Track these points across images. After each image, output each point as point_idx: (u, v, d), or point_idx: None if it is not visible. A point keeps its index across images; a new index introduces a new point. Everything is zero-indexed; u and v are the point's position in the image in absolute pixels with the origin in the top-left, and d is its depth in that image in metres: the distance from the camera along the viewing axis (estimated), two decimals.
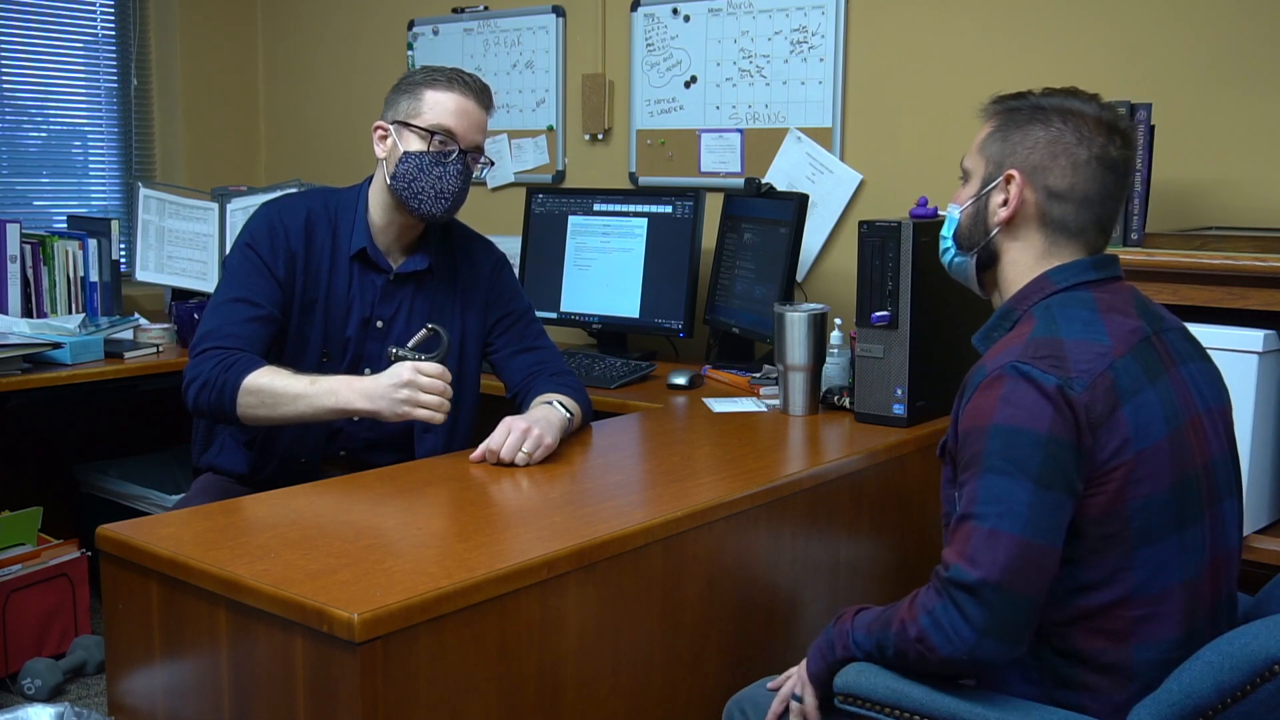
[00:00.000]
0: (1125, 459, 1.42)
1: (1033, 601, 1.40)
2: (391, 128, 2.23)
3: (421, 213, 2.22)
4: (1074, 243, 1.57)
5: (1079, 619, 1.46)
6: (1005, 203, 1.58)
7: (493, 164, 2.34)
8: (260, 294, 2.19)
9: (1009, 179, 1.57)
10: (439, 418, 2.04)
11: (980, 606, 1.38)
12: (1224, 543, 1.54)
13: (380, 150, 2.26)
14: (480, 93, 2.24)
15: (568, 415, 2.19)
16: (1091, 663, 1.46)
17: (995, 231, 1.60)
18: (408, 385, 2.00)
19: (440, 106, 2.20)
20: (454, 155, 2.21)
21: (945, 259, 1.71)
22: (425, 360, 2.05)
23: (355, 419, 2.21)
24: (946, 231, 1.69)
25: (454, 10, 3.84)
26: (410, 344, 2.10)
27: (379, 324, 2.30)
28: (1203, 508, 1.50)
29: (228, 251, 2.44)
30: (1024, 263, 1.59)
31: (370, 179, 2.32)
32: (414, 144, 2.20)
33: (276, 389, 2.07)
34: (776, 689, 1.67)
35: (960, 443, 1.48)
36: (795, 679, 1.63)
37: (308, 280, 2.25)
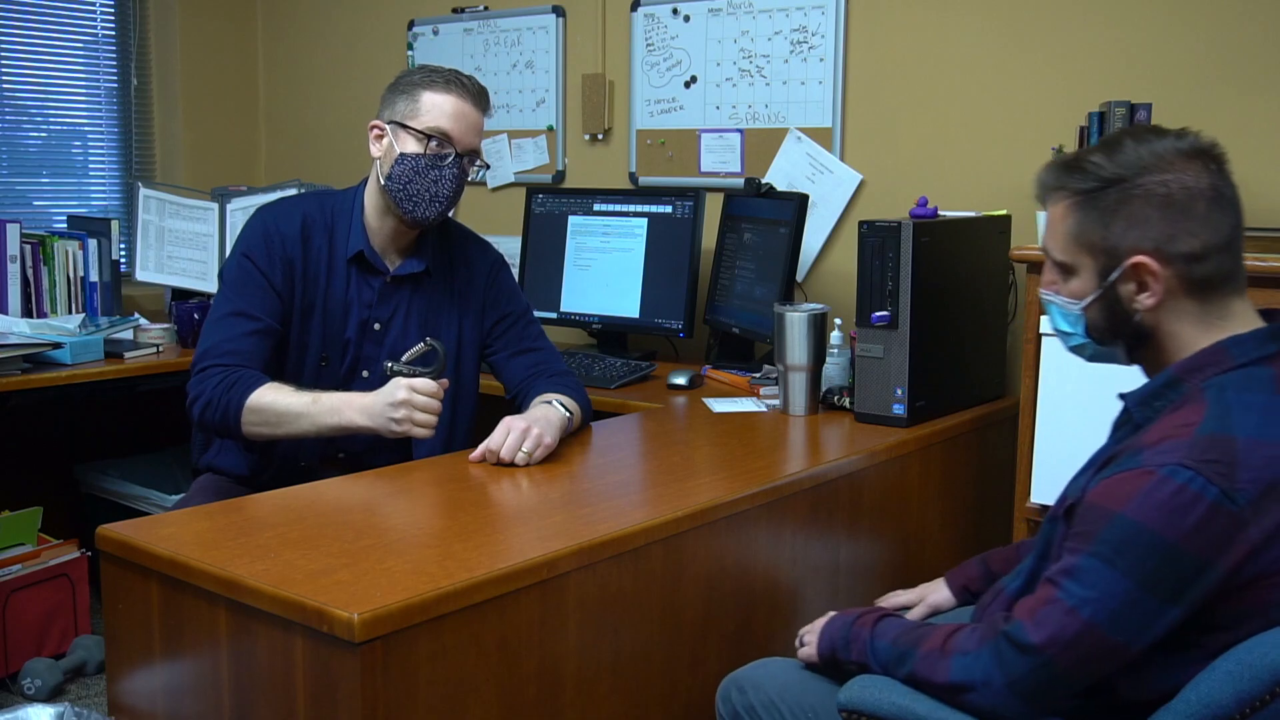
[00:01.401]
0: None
1: (1077, 684, 1.36)
2: (388, 128, 2.23)
3: (415, 215, 2.21)
4: (1225, 290, 1.46)
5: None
6: (1141, 289, 1.44)
7: (488, 167, 2.33)
8: (258, 306, 2.19)
9: (1137, 268, 1.43)
10: (428, 433, 2.06)
11: (1023, 665, 1.35)
12: None
13: (376, 150, 2.25)
14: (478, 95, 2.24)
15: (567, 415, 2.19)
16: None
17: (1139, 315, 1.46)
18: (404, 404, 2.02)
19: (438, 109, 2.19)
20: (450, 159, 2.20)
21: (1083, 354, 1.56)
22: (421, 374, 2.06)
23: None
24: (1071, 328, 1.54)
25: (454, 10, 3.84)
26: (405, 358, 2.11)
27: (376, 326, 2.30)
28: None
29: (224, 260, 2.44)
30: (1185, 332, 1.46)
31: (366, 180, 2.32)
32: (410, 146, 2.19)
33: (280, 408, 2.08)
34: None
35: (1081, 511, 1.40)
36: (809, 641, 1.67)
37: (306, 286, 2.25)
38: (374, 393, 2.07)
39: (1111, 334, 1.51)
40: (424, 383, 2.04)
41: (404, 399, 2.02)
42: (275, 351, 2.23)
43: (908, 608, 1.92)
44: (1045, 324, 2.34)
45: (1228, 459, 1.33)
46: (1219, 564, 1.32)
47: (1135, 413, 1.50)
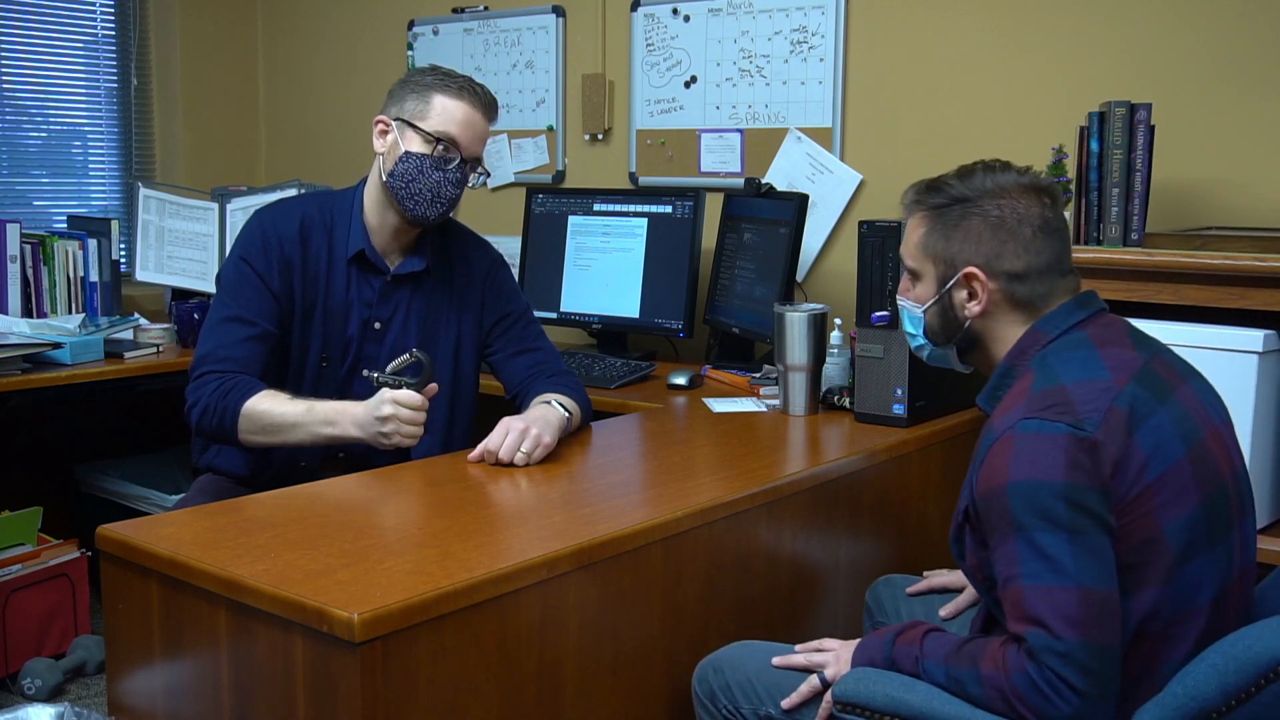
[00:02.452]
0: (1148, 482, 1.42)
1: (1117, 649, 1.38)
2: (394, 124, 2.23)
3: (415, 214, 2.22)
4: (1048, 303, 1.61)
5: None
6: (971, 297, 1.63)
7: (489, 175, 2.34)
8: (255, 310, 2.20)
9: (968, 277, 1.62)
10: (414, 442, 2.08)
11: (1077, 672, 1.35)
12: (1248, 555, 1.53)
13: (379, 145, 2.25)
14: (488, 105, 2.25)
15: (566, 415, 2.19)
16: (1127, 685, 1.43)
17: (969, 322, 1.65)
18: (390, 419, 2.04)
19: (448, 114, 2.20)
20: (455, 164, 2.21)
21: (923, 354, 1.76)
22: (407, 386, 2.07)
23: None
24: (914, 329, 1.73)
25: (454, 10, 3.84)
26: (390, 368, 2.11)
27: (377, 325, 2.30)
28: (1233, 520, 1.50)
29: (222, 263, 2.44)
30: (1010, 335, 1.63)
31: (365, 180, 2.32)
32: (416, 145, 2.20)
33: (274, 417, 2.10)
34: (783, 665, 1.67)
35: (981, 509, 1.48)
36: (832, 669, 1.61)
37: (305, 286, 2.25)
38: (363, 405, 2.08)
39: (945, 337, 1.70)
40: (408, 395, 2.05)
41: (389, 414, 2.04)
42: (273, 355, 2.23)
43: (950, 589, 1.94)
44: None
45: (1063, 400, 1.46)
46: (1102, 483, 1.41)
47: (985, 407, 1.63)
